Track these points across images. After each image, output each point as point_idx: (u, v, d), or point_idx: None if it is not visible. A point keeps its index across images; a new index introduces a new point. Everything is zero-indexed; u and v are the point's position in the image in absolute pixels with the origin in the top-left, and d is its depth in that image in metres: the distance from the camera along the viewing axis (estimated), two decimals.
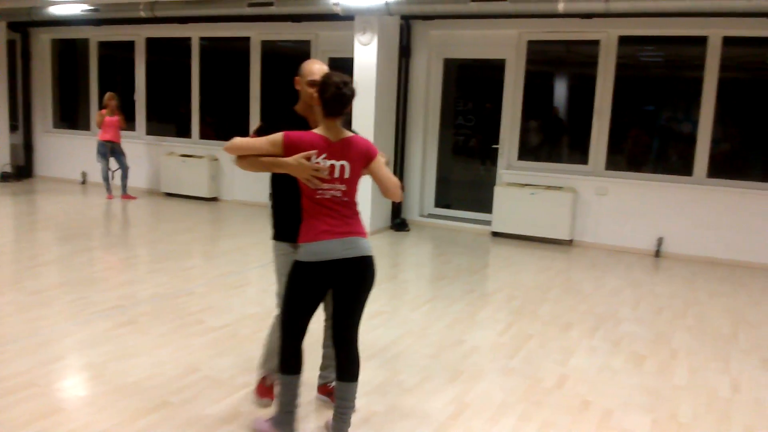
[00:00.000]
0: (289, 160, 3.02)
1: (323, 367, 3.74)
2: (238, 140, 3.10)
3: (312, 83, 3.24)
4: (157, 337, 4.63)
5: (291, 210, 3.26)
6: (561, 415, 3.69)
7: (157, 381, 3.90)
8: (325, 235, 3.03)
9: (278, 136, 3.04)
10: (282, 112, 3.43)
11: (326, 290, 3.14)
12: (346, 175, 3.07)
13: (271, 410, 3.48)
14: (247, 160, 3.13)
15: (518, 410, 3.73)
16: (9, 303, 5.25)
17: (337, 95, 3.00)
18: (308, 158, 3.00)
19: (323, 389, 3.73)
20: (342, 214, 3.09)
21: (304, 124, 3.32)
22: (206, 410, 3.56)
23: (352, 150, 3.09)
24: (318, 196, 3.05)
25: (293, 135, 3.05)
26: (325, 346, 3.69)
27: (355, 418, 3.51)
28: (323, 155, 3.03)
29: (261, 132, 3.23)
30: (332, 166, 3.04)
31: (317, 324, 3.54)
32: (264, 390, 3.65)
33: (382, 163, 3.19)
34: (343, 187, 3.08)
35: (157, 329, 4.78)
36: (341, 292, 3.13)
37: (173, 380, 3.92)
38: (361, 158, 3.11)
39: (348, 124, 3.30)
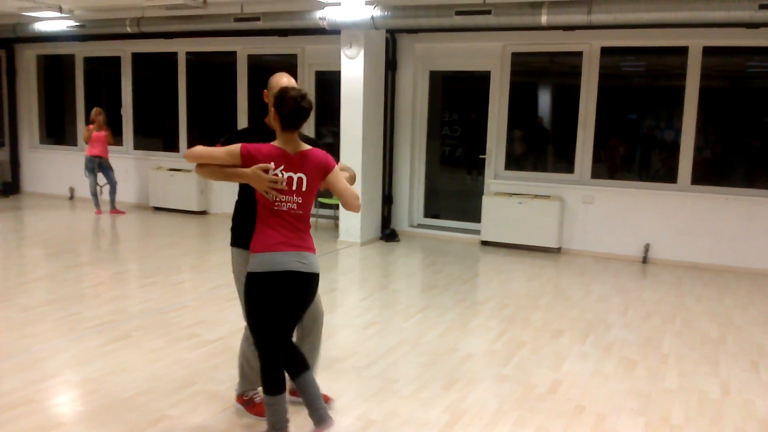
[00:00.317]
0: (247, 171, 3.10)
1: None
2: (198, 149, 3.17)
3: None
4: (152, 351, 4.64)
5: (251, 217, 3.29)
6: (555, 420, 3.74)
7: (154, 395, 3.91)
8: (281, 246, 3.11)
9: (236, 147, 3.11)
10: (252, 125, 3.48)
11: (284, 300, 3.16)
12: (304, 187, 3.16)
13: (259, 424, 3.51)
14: (207, 168, 3.20)
15: (513, 416, 3.78)
16: (1, 320, 5.23)
17: (295, 109, 3.08)
18: (266, 170, 3.08)
19: (239, 398, 3.77)
20: (296, 227, 3.18)
21: (274, 137, 3.35)
22: (205, 423, 3.59)
23: (309, 163, 3.17)
24: (276, 207, 3.12)
25: (251, 147, 3.12)
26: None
27: (353, 427, 3.55)
28: (281, 167, 3.11)
29: (227, 142, 3.29)
30: (290, 179, 3.13)
31: None
32: (259, 407, 3.63)
33: (341, 175, 3.26)
34: (299, 200, 3.16)
35: (151, 344, 4.79)
36: (288, 302, 3.17)
37: (170, 394, 3.94)
38: (319, 171, 3.19)
39: (307, 138, 3.41)
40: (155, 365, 4.37)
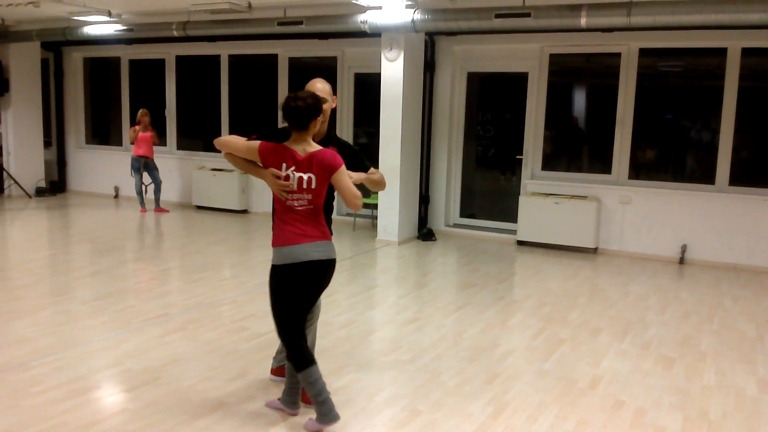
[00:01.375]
0: (265, 172, 3.43)
1: (279, 351, 4.09)
2: (226, 137, 3.51)
3: None
4: (206, 343, 4.87)
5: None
6: (596, 414, 3.87)
7: (212, 384, 4.14)
8: (299, 239, 3.41)
9: (255, 144, 3.41)
10: (285, 129, 3.66)
11: (307, 288, 3.48)
12: (313, 186, 3.42)
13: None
14: (231, 157, 3.53)
15: (555, 409, 3.92)
16: (62, 312, 5.53)
17: (289, 108, 3.35)
18: (278, 176, 3.38)
19: (278, 371, 4.09)
20: (310, 220, 3.46)
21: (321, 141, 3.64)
22: (261, 410, 3.79)
23: (316, 163, 3.41)
24: (288, 203, 3.44)
25: (266, 147, 3.42)
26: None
27: (401, 417, 3.73)
28: (292, 167, 3.39)
29: (258, 138, 3.53)
30: (300, 178, 3.40)
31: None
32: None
33: (345, 175, 3.48)
34: (309, 197, 3.43)
35: (205, 336, 5.02)
36: (309, 290, 3.50)
37: (226, 383, 4.15)
38: (325, 171, 3.43)
39: (329, 137, 3.74)
40: (211, 356, 4.60)
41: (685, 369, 4.63)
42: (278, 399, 3.76)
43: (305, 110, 3.35)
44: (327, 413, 3.47)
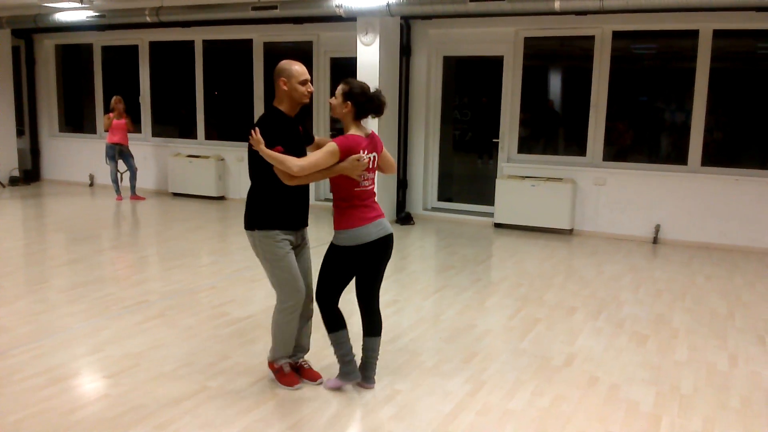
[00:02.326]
0: (345, 164, 3.55)
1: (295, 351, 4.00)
2: (302, 163, 3.51)
3: (304, 82, 3.68)
4: (186, 329, 4.88)
5: (276, 200, 3.66)
6: (571, 390, 3.96)
7: (193, 368, 4.16)
8: (362, 221, 3.64)
9: (334, 147, 3.54)
10: (272, 116, 3.71)
11: (366, 266, 3.75)
12: (375, 164, 3.74)
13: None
14: (312, 176, 3.57)
15: (531, 386, 4.00)
16: (40, 301, 5.50)
17: (379, 104, 3.66)
18: (359, 159, 3.57)
19: (271, 365, 3.99)
20: (370, 200, 3.73)
21: (292, 122, 3.73)
22: (243, 392, 3.83)
23: (376, 142, 3.75)
24: (356, 189, 3.61)
25: (344, 142, 3.58)
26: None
27: (381, 395, 3.80)
28: (365, 151, 3.61)
29: (268, 136, 3.53)
30: (369, 159, 3.64)
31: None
32: (287, 377, 3.89)
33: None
34: (372, 176, 3.73)
35: (185, 321, 5.04)
36: (374, 266, 3.76)
37: (208, 367, 4.18)
38: (380, 148, 3.78)
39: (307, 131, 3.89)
40: (191, 341, 4.62)
41: (658, 345, 4.74)
42: (335, 378, 3.88)
43: (385, 103, 3.69)
44: (350, 372, 3.81)
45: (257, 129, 3.54)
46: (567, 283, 6.36)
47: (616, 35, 8.39)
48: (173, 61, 11.68)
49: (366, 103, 3.63)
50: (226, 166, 10.86)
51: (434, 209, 9.79)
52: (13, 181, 12.11)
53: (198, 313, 5.24)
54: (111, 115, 10.60)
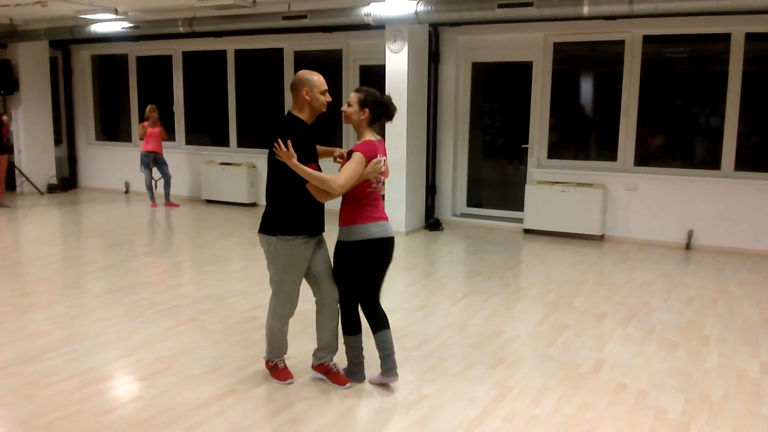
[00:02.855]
0: (368, 169, 3.74)
1: (319, 349, 4.11)
2: (340, 181, 3.66)
3: (325, 92, 3.83)
4: (216, 332, 4.97)
5: (295, 207, 3.80)
6: (598, 397, 3.94)
7: (222, 372, 4.24)
8: (369, 219, 3.82)
9: (361, 157, 3.71)
10: (297, 125, 3.81)
11: (375, 263, 3.90)
12: (386, 167, 3.95)
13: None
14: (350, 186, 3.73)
15: (558, 393, 3.99)
16: (75, 306, 5.64)
17: (391, 111, 3.88)
18: (378, 162, 3.79)
19: (319, 368, 4.12)
20: (378, 201, 3.92)
21: (310, 131, 3.87)
22: (271, 396, 3.89)
23: (384, 146, 3.98)
24: (369, 190, 3.82)
25: (365, 149, 3.75)
26: (318, 330, 4.07)
27: (407, 401, 3.82)
28: (380, 154, 3.81)
29: (298, 144, 3.66)
30: (384, 161, 3.88)
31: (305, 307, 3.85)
32: (281, 373, 4.10)
33: None
34: (383, 178, 3.92)
35: (216, 326, 5.12)
36: (378, 266, 3.93)
37: (237, 371, 4.26)
38: (385, 152, 3.96)
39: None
40: (220, 345, 4.70)
41: (688, 353, 4.69)
42: (380, 374, 4.01)
43: (396, 109, 3.91)
44: (358, 373, 4.02)
45: (289, 142, 3.61)
46: (597, 290, 6.32)
47: (647, 39, 8.32)
48: (206, 70, 11.87)
49: (381, 109, 3.82)
50: (258, 173, 11.00)
51: (463, 215, 9.79)
52: (51, 189, 12.41)
53: (228, 318, 5.32)
54: (146, 123, 10.81)
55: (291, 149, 3.62)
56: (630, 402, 3.88)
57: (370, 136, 3.84)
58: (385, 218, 3.93)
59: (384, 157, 3.87)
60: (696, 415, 3.72)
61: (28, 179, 12.10)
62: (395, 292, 6.26)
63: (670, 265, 7.36)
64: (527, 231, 8.98)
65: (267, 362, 4.19)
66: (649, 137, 8.72)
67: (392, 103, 3.88)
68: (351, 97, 3.85)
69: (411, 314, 5.52)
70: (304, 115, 3.82)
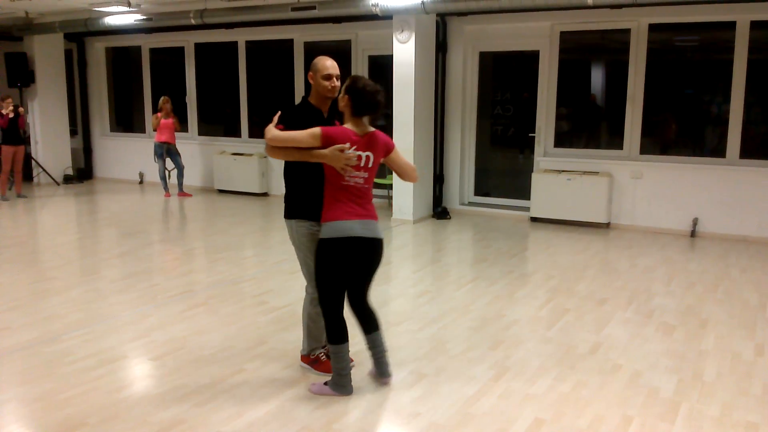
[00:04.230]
0: (326, 151, 3.55)
1: (307, 337, 4.13)
2: (280, 134, 3.60)
3: (328, 77, 3.79)
4: (226, 316, 5.15)
5: (311, 191, 3.77)
6: (593, 376, 4.07)
7: (232, 352, 4.41)
8: (347, 215, 3.60)
9: (317, 130, 3.56)
10: (299, 105, 3.91)
11: (351, 264, 3.66)
12: (370, 164, 3.67)
13: (323, 377, 3.93)
14: (285, 150, 3.64)
15: (554, 373, 4.13)
16: (91, 290, 5.84)
17: (373, 103, 3.62)
18: (342, 150, 3.55)
19: (305, 358, 4.15)
20: (360, 199, 3.67)
21: (320, 115, 3.85)
22: (277, 375, 4.06)
23: (375, 143, 3.69)
24: (344, 183, 3.62)
25: (330, 130, 3.60)
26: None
27: (407, 380, 3.98)
28: (353, 147, 3.59)
29: (283, 120, 3.70)
30: (359, 157, 3.61)
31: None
32: (324, 365, 4.07)
33: (400, 152, 3.85)
34: (365, 175, 3.67)
35: (225, 310, 5.30)
36: (354, 264, 3.68)
37: (245, 351, 4.43)
38: (382, 150, 3.73)
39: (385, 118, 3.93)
40: (231, 328, 4.88)
41: (684, 335, 4.81)
42: (325, 384, 3.83)
43: (383, 104, 3.66)
44: (345, 385, 3.78)
45: (277, 114, 3.73)
46: (599, 276, 6.43)
47: (653, 28, 8.37)
48: (217, 61, 12.04)
49: (361, 98, 3.59)
50: (269, 164, 11.17)
51: (471, 204, 9.91)
52: (68, 179, 12.66)
53: (239, 302, 5.50)
54: (159, 114, 11.00)
55: (274, 119, 3.66)
56: (624, 381, 4.01)
57: (350, 125, 3.63)
58: (373, 217, 3.70)
59: (363, 153, 3.60)
60: (688, 394, 3.84)
61: (44, 170, 12.35)
62: (401, 278, 6.41)
63: (674, 251, 7.45)
64: (534, 219, 9.09)
65: (306, 357, 4.12)
66: (662, 125, 8.76)
67: (375, 96, 3.60)
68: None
69: (415, 299, 5.67)
70: (313, 99, 3.89)
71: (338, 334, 3.70)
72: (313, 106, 3.89)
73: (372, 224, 3.68)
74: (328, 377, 3.89)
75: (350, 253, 3.61)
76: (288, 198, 3.94)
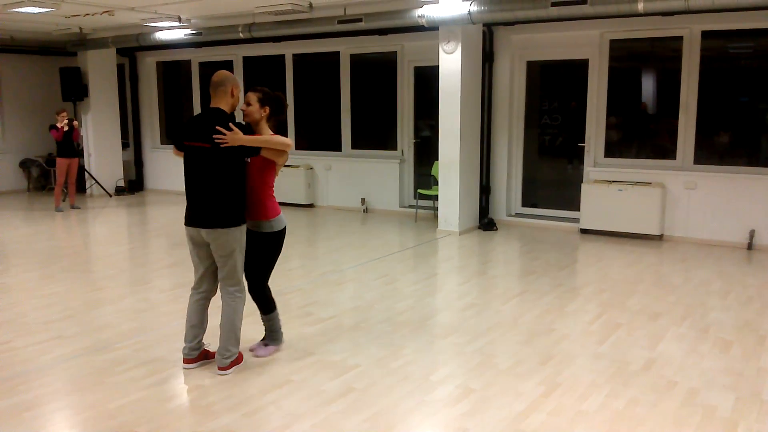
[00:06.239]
0: (285, 158, 4.35)
1: (202, 339, 4.42)
2: (284, 138, 4.25)
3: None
4: None
5: (245, 196, 4.22)
6: (647, 394, 3.95)
7: (279, 363, 4.42)
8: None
9: (291, 142, 4.34)
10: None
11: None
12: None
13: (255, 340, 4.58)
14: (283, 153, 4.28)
15: (606, 389, 4.02)
16: (142, 300, 5.94)
17: (285, 106, 4.52)
18: None
19: (189, 360, 4.38)
20: None
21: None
22: (322, 386, 4.04)
23: None
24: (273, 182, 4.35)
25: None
26: (204, 321, 4.43)
27: (454, 394, 3.92)
28: None
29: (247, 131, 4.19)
30: None
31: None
32: (240, 357, 4.40)
33: None
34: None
35: None
36: (279, 251, 4.49)
37: (292, 362, 4.43)
38: None
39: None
40: None
41: (742, 352, 4.63)
42: (261, 342, 4.61)
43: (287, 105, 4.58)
44: (279, 338, 4.63)
45: (230, 124, 3.99)
46: (652, 289, 6.26)
47: (706, 35, 8.16)
48: (265, 74, 12.19)
49: (279, 106, 4.30)
50: (315, 175, 11.24)
51: (518, 215, 9.79)
52: (119, 191, 12.97)
53: (285, 313, 5.49)
54: None
55: (235, 128, 3.97)
56: (679, 399, 3.88)
57: (267, 131, 4.21)
58: None
59: None
60: (745, 413, 3.69)
61: (97, 182, 12.68)
62: (447, 291, 6.35)
63: (730, 265, 7.22)
64: (583, 231, 8.92)
65: (234, 362, 4.33)
66: (718, 134, 8.52)
67: (284, 100, 4.38)
68: (248, 96, 4.22)
69: (462, 312, 5.60)
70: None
71: (271, 304, 4.53)
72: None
73: None
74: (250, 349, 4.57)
75: (280, 241, 4.42)
76: (229, 205, 4.11)
